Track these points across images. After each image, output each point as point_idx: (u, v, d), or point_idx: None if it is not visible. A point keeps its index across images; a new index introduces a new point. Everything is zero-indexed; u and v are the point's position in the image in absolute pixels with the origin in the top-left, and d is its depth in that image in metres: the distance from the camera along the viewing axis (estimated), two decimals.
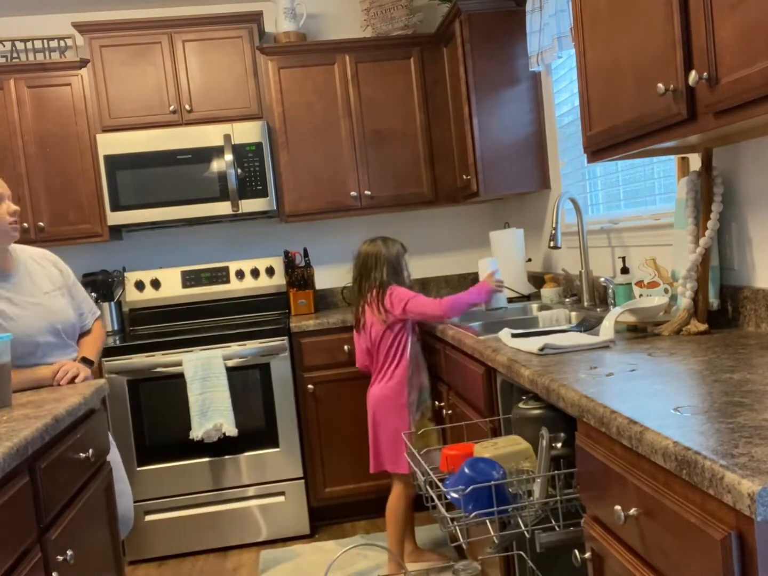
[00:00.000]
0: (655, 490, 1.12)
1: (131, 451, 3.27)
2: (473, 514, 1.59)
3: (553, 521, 1.62)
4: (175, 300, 3.81)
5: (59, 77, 3.54)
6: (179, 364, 3.25)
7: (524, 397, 1.78)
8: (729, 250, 2.02)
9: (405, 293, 2.76)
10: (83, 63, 3.55)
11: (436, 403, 2.88)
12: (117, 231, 3.74)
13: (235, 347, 3.31)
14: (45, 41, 3.74)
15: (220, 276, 3.84)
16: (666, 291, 2.10)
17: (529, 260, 3.51)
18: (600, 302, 2.81)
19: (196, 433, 3.19)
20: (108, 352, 3.27)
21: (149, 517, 3.30)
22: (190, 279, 3.83)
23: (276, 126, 3.65)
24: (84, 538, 1.90)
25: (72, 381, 2.18)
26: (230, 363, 3.28)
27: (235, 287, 3.85)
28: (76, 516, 1.84)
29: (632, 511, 1.18)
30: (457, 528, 1.69)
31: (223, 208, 3.55)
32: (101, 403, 2.26)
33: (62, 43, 3.75)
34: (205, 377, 3.21)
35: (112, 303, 3.77)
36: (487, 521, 1.69)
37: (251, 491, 3.34)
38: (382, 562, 3.00)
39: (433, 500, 1.74)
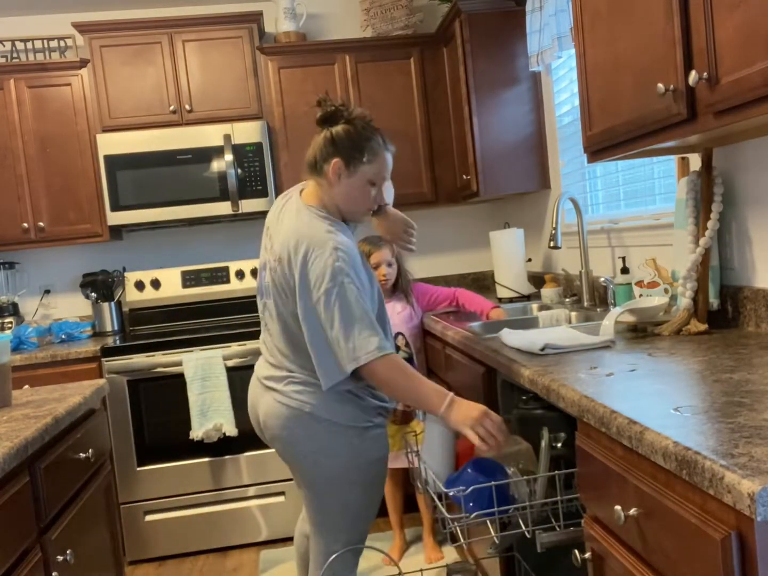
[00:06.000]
0: (655, 490, 1.12)
1: (131, 451, 3.26)
2: (474, 514, 1.59)
3: (553, 521, 1.62)
4: (175, 300, 3.81)
5: (59, 77, 3.54)
6: (179, 364, 3.25)
7: (524, 397, 1.78)
8: (729, 250, 2.02)
9: None
10: (83, 63, 3.55)
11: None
12: (117, 231, 3.73)
13: (235, 347, 3.31)
14: (45, 41, 3.73)
15: (220, 276, 3.84)
16: (666, 291, 2.10)
17: (529, 260, 3.50)
18: (600, 302, 2.81)
19: (196, 433, 3.19)
20: (108, 352, 3.27)
21: (149, 517, 3.29)
22: (190, 279, 3.82)
23: (276, 126, 3.65)
24: (84, 538, 1.90)
25: None
26: (230, 363, 3.27)
27: (235, 287, 3.85)
28: (76, 516, 1.84)
29: (632, 511, 1.18)
30: (457, 528, 1.69)
31: (223, 208, 3.55)
32: (101, 403, 2.26)
33: (62, 43, 3.74)
34: (205, 377, 3.21)
35: (112, 303, 3.77)
36: (488, 521, 1.69)
37: (251, 491, 3.34)
38: (382, 562, 3.00)
39: (433, 500, 1.74)
